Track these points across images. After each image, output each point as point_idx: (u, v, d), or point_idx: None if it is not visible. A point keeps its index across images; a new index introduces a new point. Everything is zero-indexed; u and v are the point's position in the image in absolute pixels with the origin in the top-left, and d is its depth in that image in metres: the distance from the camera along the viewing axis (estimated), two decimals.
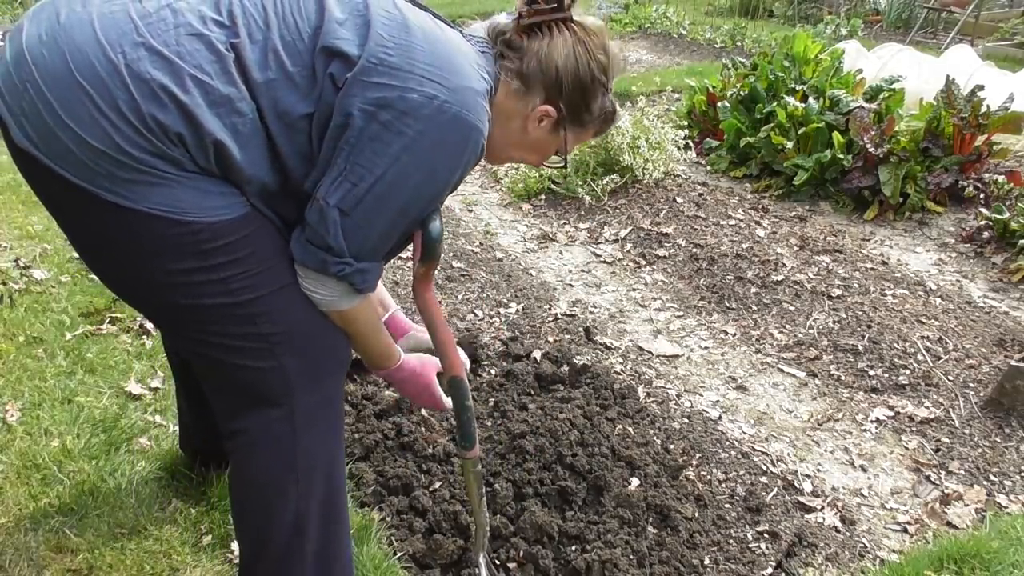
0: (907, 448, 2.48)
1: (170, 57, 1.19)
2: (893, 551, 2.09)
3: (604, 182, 4.36)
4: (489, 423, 2.42)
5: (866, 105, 4.31)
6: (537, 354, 2.80)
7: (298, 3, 1.28)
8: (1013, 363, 2.62)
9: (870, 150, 4.02)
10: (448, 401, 1.70)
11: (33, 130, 1.19)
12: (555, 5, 1.40)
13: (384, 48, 1.25)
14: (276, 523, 1.47)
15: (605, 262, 3.77)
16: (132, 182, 1.20)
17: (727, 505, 2.23)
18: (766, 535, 2.13)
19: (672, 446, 2.43)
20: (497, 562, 1.93)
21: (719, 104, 4.94)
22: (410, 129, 1.25)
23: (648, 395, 2.72)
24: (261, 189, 1.31)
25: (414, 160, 1.27)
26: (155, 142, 1.19)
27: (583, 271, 3.69)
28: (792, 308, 3.26)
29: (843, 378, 2.82)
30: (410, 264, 3.59)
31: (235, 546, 1.87)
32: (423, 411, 2.44)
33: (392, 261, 3.64)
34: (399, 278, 3.49)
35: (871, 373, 2.83)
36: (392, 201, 1.30)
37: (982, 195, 4.02)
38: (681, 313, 3.30)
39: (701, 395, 2.75)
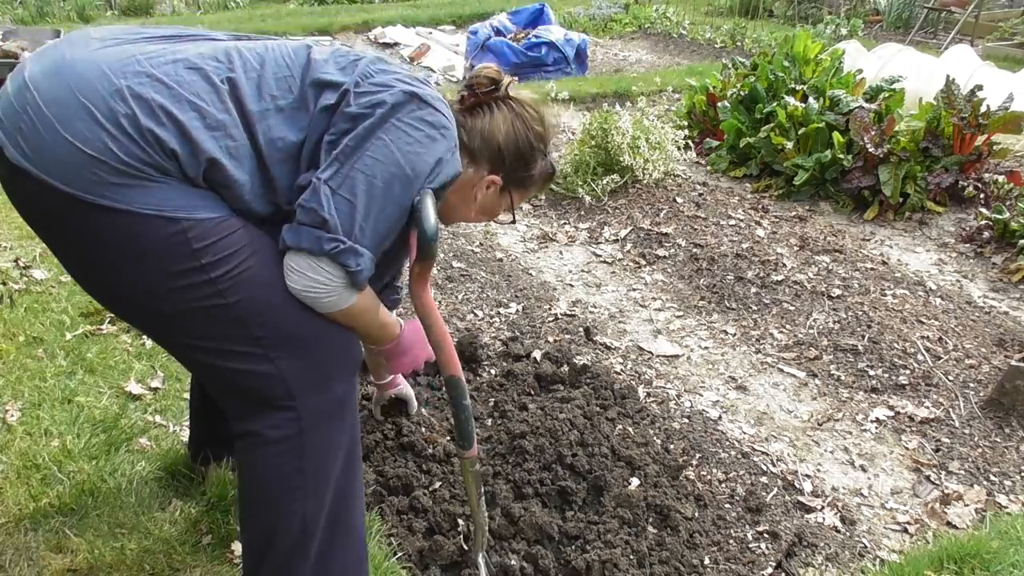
0: (907, 448, 2.49)
1: (170, 84, 1.29)
2: (893, 551, 2.10)
3: (604, 182, 4.36)
4: (489, 423, 2.42)
5: (866, 105, 4.31)
6: (537, 354, 2.80)
7: (289, 52, 1.44)
8: (1013, 363, 2.62)
9: (870, 150, 4.02)
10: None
11: (28, 146, 1.24)
12: (492, 88, 1.59)
13: (369, 71, 1.42)
14: (282, 523, 1.47)
15: (605, 262, 3.77)
16: (123, 185, 1.26)
17: (727, 505, 2.23)
18: (766, 535, 2.13)
19: (672, 446, 2.43)
20: (496, 562, 1.93)
21: (719, 104, 4.94)
22: (395, 119, 1.37)
23: (648, 395, 2.72)
24: (247, 211, 1.38)
25: (395, 142, 1.37)
26: (150, 152, 1.26)
27: (583, 271, 3.69)
28: (792, 308, 3.26)
29: (843, 378, 2.82)
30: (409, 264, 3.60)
31: (235, 546, 1.87)
32: (423, 410, 2.44)
33: None
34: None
35: (871, 373, 2.83)
36: (377, 175, 1.36)
37: (982, 195, 4.02)
38: (681, 313, 3.30)
39: (701, 395, 2.75)
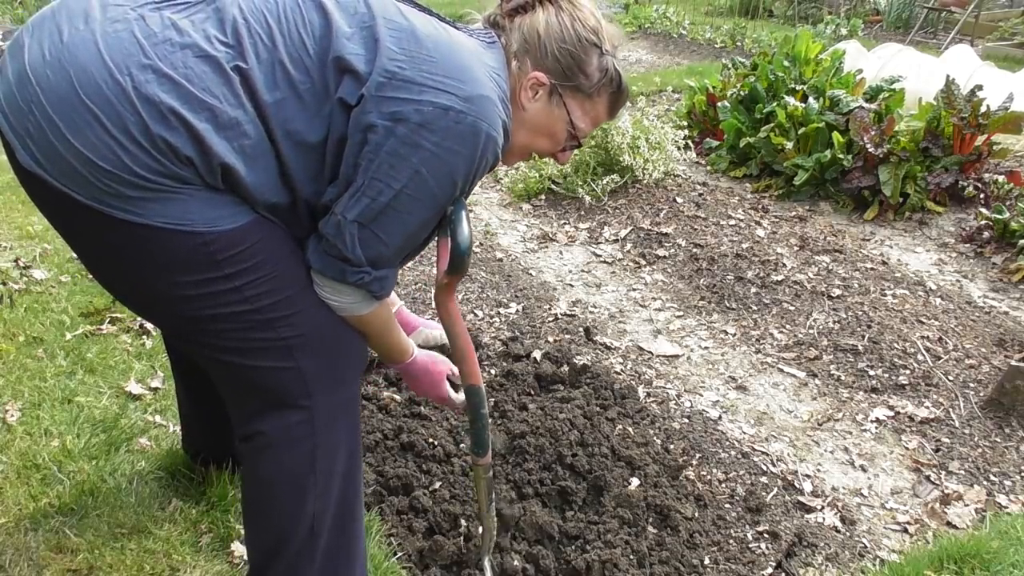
0: (907, 448, 2.49)
1: (179, 80, 1.18)
2: (893, 551, 2.10)
3: (604, 182, 4.36)
4: (489, 423, 2.42)
5: (866, 105, 4.31)
6: (537, 354, 2.80)
7: (303, 18, 1.26)
8: (1013, 363, 2.62)
9: (870, 150, 4.02)
10: (458, 398, 1.73)
11: (40, 152, 1.18)
12: None
13: (395, 61, 1.24)
14: (292, 525, 1.46)
15: (605, 262, 3.77)
16: (141, 199, 1.20)
17: (727, 505, 2.23)
18: (766, 535, 2.13)
19: (672, 446, 2.43)
20: (497, 562, 1.92)
21: (719, 104, 4.94)
22: (427, 142, 1.24)
23: (648, 395, 2.72)
24: (271, 207, 1.30)
25: (432, 172, 1.27)
26: (164, 162, 1.19)
27: (583, 271, 3.69)
28: (792, 308, 3.26)
29: (843, 378, 2.82)
30: (409, 264, 3.60)
31: (235, 546, 1.87)
32: (422, 408, 2.44)
33: None
34: (399, 278, 3.49)
35: (871, 373, 2.83)
36: (412, 213, 1.30)
37: (982, 195, 4.02)
38: (681, 313, 3.30)
39: (701, 395, 2.75)
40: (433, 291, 1.53)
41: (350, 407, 1.49)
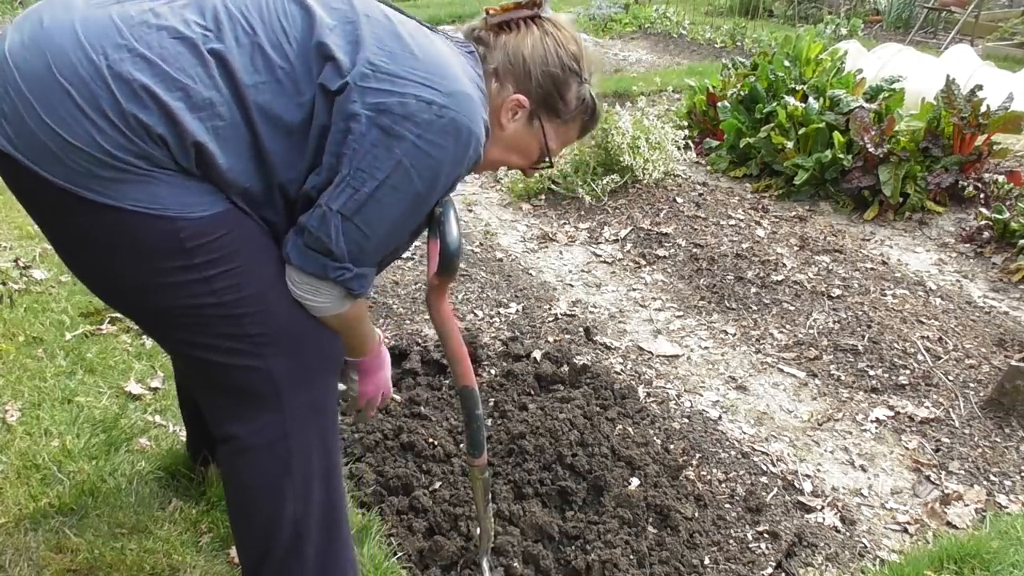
0: (907, 448, 2.49)
1: (153, 59, 1.19)
2: (893, 551, 2.10)
3: (604, 182, 4.36)
4: (489, 423, 2.42)
5: (866, 105, 4.31)
6: (537, 354, 2.80)
7: (284, 11, 1.29)
8: (1013, 363, 2.62)
9: (870, 150, 4.02)
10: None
11: (13, 131, 1.18)
12: (523, 3, 1.44)
13: (378, 55, 1.26)
14: (275, 528, 1.46)
15: (605, 262, 3.77)
16: (112, 180, 1.20)
17: (727, 505, 2.23)
18: (766, 535, 2.13)
19: (672, 446, 2.43)
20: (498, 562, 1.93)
21: (719, 104, 4.94)
22: (410, 133, 1.26)
23: (648, 395, 2.72)
24: (243, 193, 1.30)
25: (415, 164, 1.27)
26: (137, 142, 1.19)
27: (583, 271, 3.69)
28: (792, 308, 3.26)
29: (843, 378, 2.82)
30: (409, 264, 3.60)
31: (234, 548, 1.87)
32: (422, 408, 2.44)
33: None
34: (399, 278, 3.49)
35: (871, 373, 2.83)
36: (394, 206, 1.30)
37: (982, 195, 4.02)
38: (681, 313, 3.30)
39: (701, 395, 2.75)
40: (426, 294, 1.52)
41: (323, 407, 1.47)
